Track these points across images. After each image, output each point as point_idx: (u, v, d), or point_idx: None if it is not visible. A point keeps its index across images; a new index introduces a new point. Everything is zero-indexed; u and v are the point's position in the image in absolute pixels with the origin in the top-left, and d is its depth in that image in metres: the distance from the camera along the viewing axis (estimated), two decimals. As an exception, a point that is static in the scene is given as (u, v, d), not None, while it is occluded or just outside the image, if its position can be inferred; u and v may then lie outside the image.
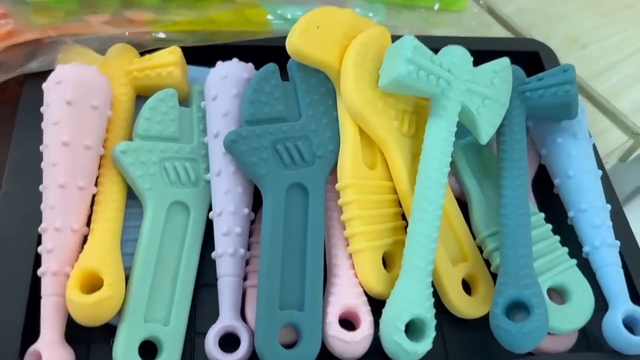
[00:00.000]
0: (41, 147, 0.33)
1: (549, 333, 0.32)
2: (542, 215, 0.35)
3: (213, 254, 0.33)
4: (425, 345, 0.30)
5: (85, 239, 0.32)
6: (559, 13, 0.53)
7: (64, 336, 0.30)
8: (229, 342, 0.31)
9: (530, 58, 0.44)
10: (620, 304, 0.32)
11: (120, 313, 0.30)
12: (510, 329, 0.29)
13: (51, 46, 0.36)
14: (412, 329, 0.30)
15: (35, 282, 0.30)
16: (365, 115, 0.33)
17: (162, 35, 0.39)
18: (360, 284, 0.32)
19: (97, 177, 0.33)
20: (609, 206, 0.35)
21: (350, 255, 0.33)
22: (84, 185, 0.32)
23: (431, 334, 0.30)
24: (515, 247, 0.31)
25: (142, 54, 0.38)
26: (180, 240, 0.33)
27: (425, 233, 0.31)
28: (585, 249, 0.34)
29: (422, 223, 0.31)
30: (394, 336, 0.29)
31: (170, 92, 0.36)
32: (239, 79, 0.35)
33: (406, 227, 0.32)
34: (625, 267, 0.34)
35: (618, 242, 0.34)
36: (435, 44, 0.39)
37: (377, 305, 0.32)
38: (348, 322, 0.32)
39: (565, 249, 0.34)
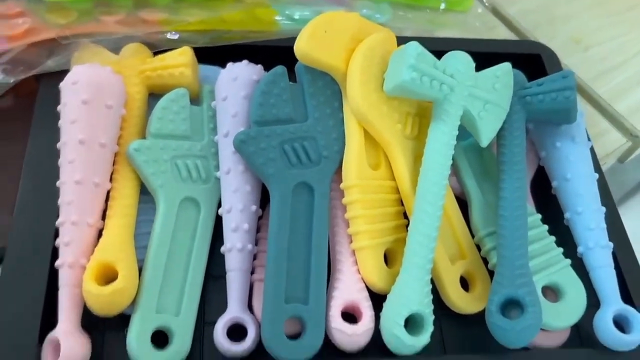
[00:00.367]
0: (58, 145, 0.34)
1: (543, 329, 0.33)
2: (539, 216, 0.36)
3: (222, 249, 0.34)
4: (423, 339, 0.31)
5: (100, 233, 0.32)
6: (564, 14, 0.53)
7: (81, 325, 0.30)
8: (236, 332, 0.31)
9: (533, 60, 0.45)
10: (612, 303, 0.33)
11: (133, 303, 0.31)
12: (505, 325, 0.30)
13: (67, 46, 0.37)
14: (411, 324, 0.31)
15: (53, 274, 0.31)
16: (370, 117, 0.34)
17: (174, 35, 0.39)
18: (362, 279, 0.33)
19: (112, 174, 0.34)
20: (603, 209, 0.36)
21: (354, 252, 0.34)
22: (99, 182, 0.33)
23: (429, 328, 0.31)
24: (511, 247, 0.32)
25: (155, 54, 0.39)
26: (190, 235, 0.34)
27: (425, 233, 0.32)
28: (580, 249, 0.35)
29: (422, 223, 0.32)
30: (393, 330, 0.30)
31: (182, 92, 0.36)
32: (248, 80, 0.36)
33: (407, 225, 0.33)
34: (618, 267, 0.35)
35: (611, 244, 0.35)
36: (439, 45, 0.40)
37: (378, 300, 0.32)
38: (350, 316, 0.33)
39: (560, 250, 0.35)
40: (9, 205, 0.34)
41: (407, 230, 0.33)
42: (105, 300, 0.30)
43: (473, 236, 0.36)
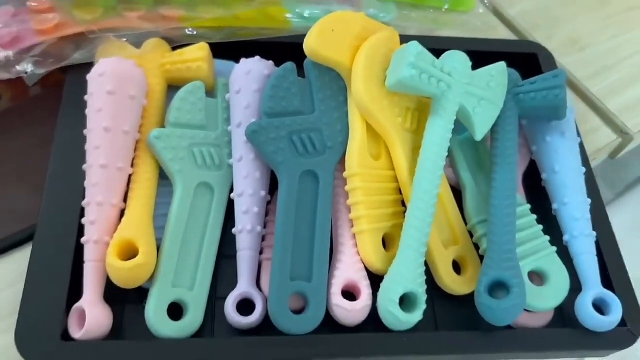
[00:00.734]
0: (85, 132, 0.35)
1: (529, 310, 0.35)
2: (529, 206, 0.38)
3: (233, 230, 0.35)
4: (416, 316, 0.33)
5: (122, 213, 0.34)
6: (562, 15, 0.54)
7: (103, 296, 0.32)
8: (245, 306, 0.33)
9: (530, 59, 0.46)
10: (592, 288, 0.35)
11: (152, 278, 0.33)
12: (492, 305, 0.32)
13: (92, 40, 0.39)
14: (406, 302, 0.33)
15: (79, 250, 0.33)
16: (373, 111, 0.36)
17: (192, 32, 0.41)
18: (361, 261, 0.35)
19: (133, 159, 0.36)
20: (589, 200, 0.38)
21: (354, 236, 0.35)
22: (122, 166, 0.34)
23: (422, 306, 0.33)
24: (500, 234, 0.34)
25: (173, 48, 0.40)
26: (205, 217, 0.35)
27: (420, 218, 0.33)
28: (565, 238, 0.37)
29: (418, 210, 0.34)
30: (389, 307, 0.32)
31: (199, 84, 0.38)
32: (260, 75, 0.37)
33: (405, 212, 0.35)
34: (601, 255, 0.37)
35: (594, 233, 0.37)
36: (441, 44, 0.42)
37: (376, 280, 0.34)
38: (350, 294, 0.34)
39: (547, 238, 0.37)
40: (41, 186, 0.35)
41: (404, 217, 0.34)
42: (127, 274, 0.32)
43: (466, 223, 0.37)
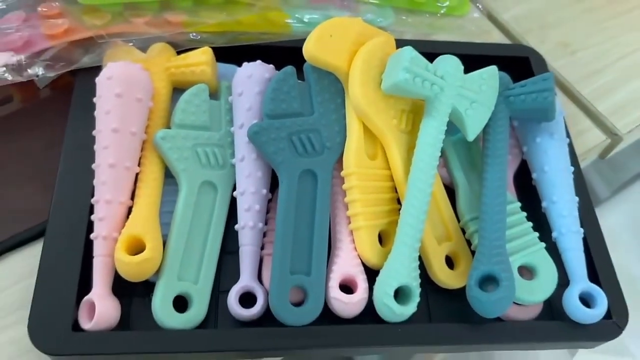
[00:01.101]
0: (94, 132, 0.36)
1: (518, 304, 0.36)
2: (519, 204, 0.39)
3: (236, 226, 0.36)
4: (410, 308, 0.34)
5: (130, 210, 0.35)
6: (554, 20, 0.55)
7: (112, 289, 0.33)
8: (247, 299, 0.34)
9: (521, 63, 0.47)
10: (579, 282, 0.36)
11: (158, 272, 0.34)
12: (482, 297, 0.33)
13: (100, 44, 0.40)
14: (401, 295, 0.34)
15: (89, 245, 0.34)
16: (369, 113, 0.37)
17: (196, 36, 0.42)
18: (358, 256, 0.36)
19: (140, 159, 0.36)
20: (576, 199, 0.39)
21: (351, 232, 0.36)
22: (129, 165, 0.35)
23: (416, 299, 0.34)
24: (490, 230, 0.35)
25: (178, 53, 0.41)
26: (208, 214, 0.36)
27: (414, 215, 0.34)
28: (554, 234, 0.38)
29: (412, 207, 0.35)
30: (384, 300, 0.33)
31: (202, 87, 0.39)
32: (261, 78, 0.38)
33: (400, 210, 0.36)
34: (588, 251, 0.38)
35: (582, 230, 0.38)
36: (436, 48, 0.43)
37: (372, 274, 0.35)
38: (347, 287, 0.35)
39: (536, 234, 0.38)
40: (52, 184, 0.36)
41: (399, 214, 0.35)
42: (134, 268, 0.33)
43: (459, 220, 0.39)
